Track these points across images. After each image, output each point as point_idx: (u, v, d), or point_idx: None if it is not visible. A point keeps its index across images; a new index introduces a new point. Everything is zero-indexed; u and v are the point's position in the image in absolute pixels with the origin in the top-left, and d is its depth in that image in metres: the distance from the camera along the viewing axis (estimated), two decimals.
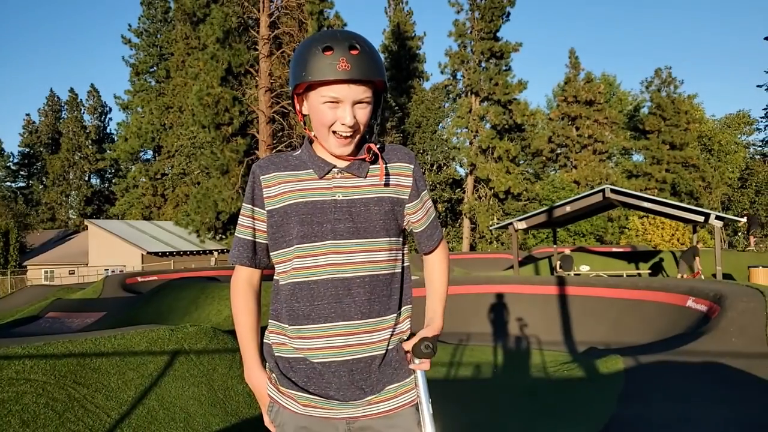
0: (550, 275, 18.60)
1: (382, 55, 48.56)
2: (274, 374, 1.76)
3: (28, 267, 45.28)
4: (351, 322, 1.68)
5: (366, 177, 1.76)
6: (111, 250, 41.67)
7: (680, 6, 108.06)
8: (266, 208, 1.77)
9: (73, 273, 43.75)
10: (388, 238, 1.77)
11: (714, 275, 15.95)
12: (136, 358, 4.53)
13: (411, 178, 1.85)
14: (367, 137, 1.80)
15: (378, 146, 1.77)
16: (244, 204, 1.82)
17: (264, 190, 1.77)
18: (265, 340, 1.82)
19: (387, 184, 1.78)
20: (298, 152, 1.83)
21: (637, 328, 10.08)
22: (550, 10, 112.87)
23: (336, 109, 1.65)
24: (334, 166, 1.74)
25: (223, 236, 40.30)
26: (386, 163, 1.80)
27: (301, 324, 1.69)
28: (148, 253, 40.18)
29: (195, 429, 4.14)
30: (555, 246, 24.83)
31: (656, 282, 11.24)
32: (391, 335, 1.75)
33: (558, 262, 20.63)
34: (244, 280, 1.84)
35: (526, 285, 12.74)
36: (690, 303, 9.53)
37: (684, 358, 6.52)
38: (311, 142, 1.82)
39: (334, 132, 1.67)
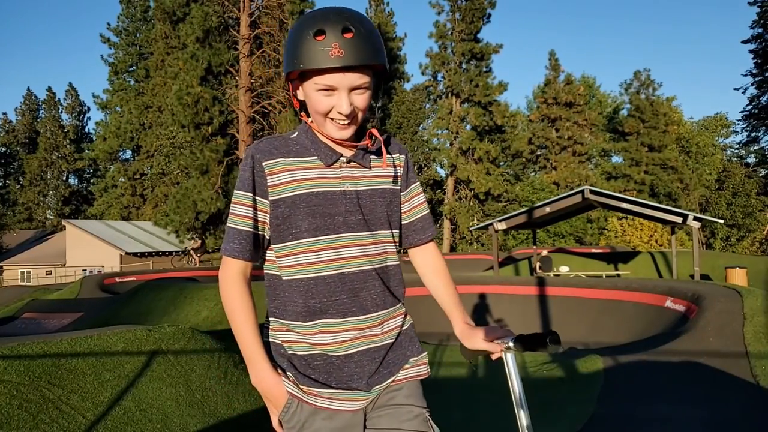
0: (529, 276, 18.67)
1: None
2: (290, 373, 1.64)
3: (5, 267, 44.78)
4: (368, 315, 1.65)
5: (370, 167, 1.71)
6: (89, 250, 41.30)
7: (659, 9, 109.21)
8: (269, 198, 1.64)
9: (51, 273, 43.33)
10: (391, 230, 1.75)
11: (692, 276, 16.10)
12: (113, 358, 4.47)
13: (403, 169, 1.82)
14: (366, 122, 1.75)
15: (384, 136, 1.73)
16: (241, 192, 1.65)
17: (268, 178, 1.63)
18: (271, 339, 1.71)
19: (388, 175, 1.75)
20: (296, 135, 1.73)
21: (616, 328, 10.14)
22: (531, 12, 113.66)
23: (331, 96, 1.55)
24: (341, 155, 1.67)
25: (203, 237, 40.02)
26: (389, 153, 1.77)
27: (319, 319, 1.62)
28: (127, 253, 39.90)
29: (172, 430, 4.09)
30: (535, 247, 24.95)
31: (635, 282, 11.31)
32: (403, 322, 1.76)
33: (538, 263, 20.73)
34: (240, 273, 1.65)
35: (506, 285, 12.77)
36: (668, 303, 9.61)
37: (663, 358, 6.56)
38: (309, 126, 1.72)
39: (331, 119, 1.59)
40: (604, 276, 18.34)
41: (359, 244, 1.64)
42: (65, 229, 45.89)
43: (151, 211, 51.33)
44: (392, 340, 1.71)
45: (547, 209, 18.91)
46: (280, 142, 1.69)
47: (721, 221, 23.04)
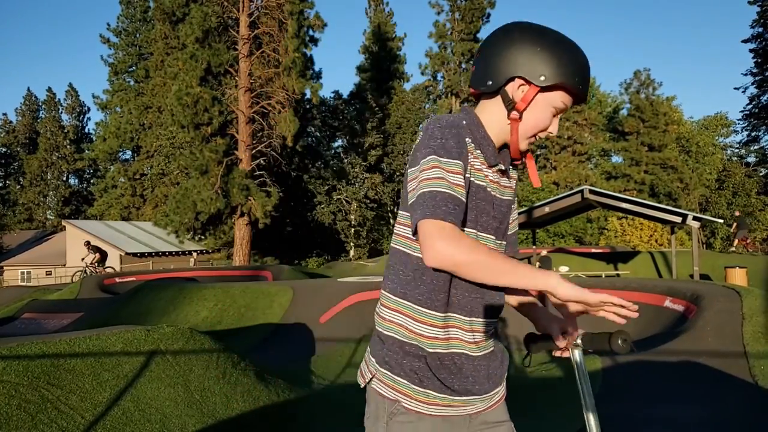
0: None
1: (362, 57, 48.95)
2: (418, 375, 1.56)
3: (5, 268, 44.77)
4: (486, 320, 1.65)
5: (509, 179, 1.73)
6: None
7: (659, 9, 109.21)
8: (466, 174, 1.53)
9: (51, 274, 43.30)
10: (505, 241, 1.80)
11: (691, 276, 16.10)
12: (112, 359, 4.47)
13: (515, 181, 1.81)
14: None
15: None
16: (447, 159, 1.48)
17: (469, 154, 1.56)
18: (396, 336, 1.61)
19: (514, 188, 1.77)
20: (466, 124, 1.60)
21: (615, 328, 10.12)
22: (531, 12, 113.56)
23: (554, 117, 1.61)
24: (499, 162, 1.63)
25: (203, 237, 40.02)
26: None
27: (453, 312, 1.58)
28: (127, 253, 39.91)
29: (170, 430, 4.09)
30: (534, 247, 24.93)
31: (634, 282, 11.29)
32: (496, 329, 1.76)
33: (537, 263, 20.70)
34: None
35: None
36: (667, 303, 9.58)
37: (661, 358, 6.56)
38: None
39: (534, 136, 1.63)
40: (603, 276, 18.35)
41: (496, 250, 1.59)
42: (65, 230, 45.90)
43: (151, 211, 51.34)
44: (492, 348, 1.71)
45: (547, 209, 18.92)
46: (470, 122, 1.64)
47: (721, 221, 23.02)
